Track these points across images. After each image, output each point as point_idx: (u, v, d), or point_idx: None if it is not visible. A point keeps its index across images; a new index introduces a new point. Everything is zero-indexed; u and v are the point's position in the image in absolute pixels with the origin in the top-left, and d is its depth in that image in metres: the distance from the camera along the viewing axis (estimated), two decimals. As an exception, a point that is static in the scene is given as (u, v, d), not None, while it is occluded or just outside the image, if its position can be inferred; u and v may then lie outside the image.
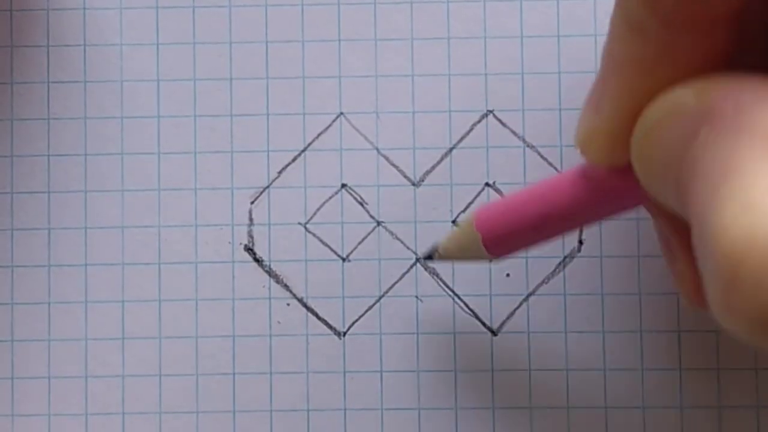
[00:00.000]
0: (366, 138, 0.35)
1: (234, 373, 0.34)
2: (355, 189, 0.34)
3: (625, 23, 0.23)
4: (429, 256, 0.32)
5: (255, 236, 0.34)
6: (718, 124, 0.21)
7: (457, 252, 0.31)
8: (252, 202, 0.35)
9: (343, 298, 0.34)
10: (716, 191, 0.20)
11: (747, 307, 0.19)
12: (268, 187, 0.35)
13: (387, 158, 0.35)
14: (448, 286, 0.34)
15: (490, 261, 0.30)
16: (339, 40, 0.35)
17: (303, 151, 0.35)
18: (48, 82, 0.35)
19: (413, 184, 0.35)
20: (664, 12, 0.23)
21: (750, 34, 0.25)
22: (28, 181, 0.35)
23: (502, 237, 0.29)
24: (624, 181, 0.26)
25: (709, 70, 0.23)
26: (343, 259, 0.34)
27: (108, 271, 0.34)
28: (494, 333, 0.34)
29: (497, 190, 0.34)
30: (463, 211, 0.34)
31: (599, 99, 0.25)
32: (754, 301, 0.19)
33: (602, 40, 0.34)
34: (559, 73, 0.35)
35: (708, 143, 0.21)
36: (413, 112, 0.35)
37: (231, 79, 0.35)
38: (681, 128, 0.22)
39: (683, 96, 0.23)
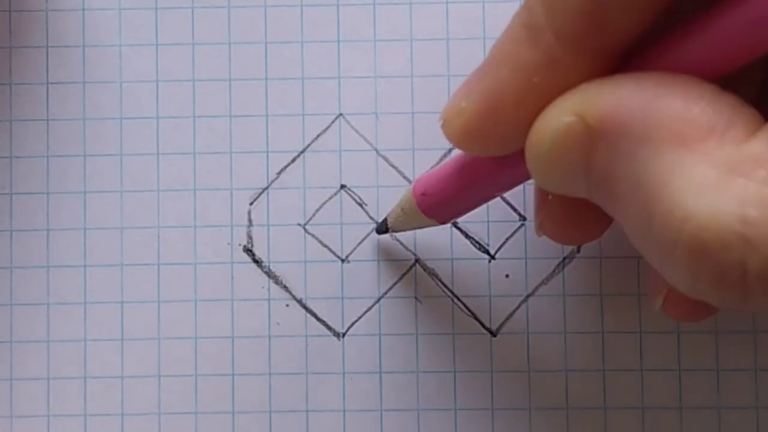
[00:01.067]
0: (365, 139, 0.35)
1: (233, 374, 0.34)
2: (355, 190, 0.34)
3: (522, 24, 0.24)
4: (383, 230, 0.33)
5: (254, 237, 0.34)
6: (620, 140, 0.22)
7: (404, 220, 0.32)
8: (251, 203, 0.35)
9: (343, 299, 0.34)
10: (659, 194, 0.22)
11: (714, 268, 0.21)
12: (267, 188, 0.35)
13: (386, 159, 0.35)
14: (447, 287, 0.34)
15: (439, 224, 0.31)
16: (338, 41, 0.35)
17: (302, 152, 0.35)
18: (47, 82, 0.35)
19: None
20: (562, 28, 0.23)
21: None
22: (27, 182, 0.35)
23: (434, 201, 0.30)
24: (491, 167, 0.27)
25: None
26: (343, 260, 0.34)
27: (107, 271, 0.34)
28: (493, 334, 0.34)
29: (497, 191, 0.34)
30: (463, 211, 0.34)
31: (473, 86, 0.25)
32: (720, 262, 0.21)
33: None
34: (559, 73, 0.35)
35: (620, 160, 0.22)
36: (413, 113, 0.35)
37: (230, 79, 0.35)
38: (576, 150, 0.23)
39: (568, 120, 0.23)
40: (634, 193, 0.22)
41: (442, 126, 0.26)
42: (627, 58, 0.24)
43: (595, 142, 0.23)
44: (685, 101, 0.22)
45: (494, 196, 0.31)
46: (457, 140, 0.26)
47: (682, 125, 0.21)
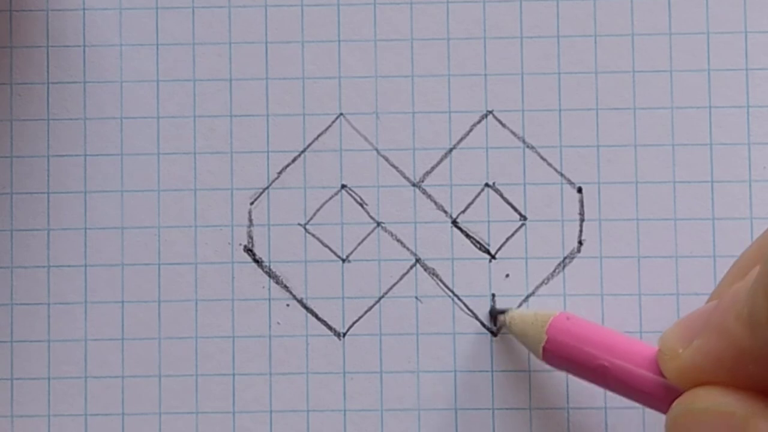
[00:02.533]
0: (366, 138, 0.35)
1: (233, 374, 0.34)
2: (355, 189, 0.34)
3: (747, 308, 0.23)
4: (497, 314, 0.34)
5: (254, 237, 0.34)
6: None
7: (520, 334, 0.32)
8: (251, 203, 0.35)
9: (343, 298, 0.34)
10: None
11: None
12: (267, 187, 0.35)
13: (387, 159, 0.35)
14: (447, 287, 0.34)
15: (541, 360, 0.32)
16: (339, 41, 0.35)
17: (303, 151, 0.35)
18: (48, 82, 0.35)
19: (413, 185, 0.34)
20: None
21: None
22: (27, 182, 0.35)
23: (561, 356, 0.31)
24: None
25: None
26: (343, 260, 0.34)
27: (108, 271, 0.34)
28: (494, 333, 0.34)
29: (497, 191, 0.34)
30: (463, 211, 0.34)
31: (693, 335, 0.25)
32: None
33: (602, 40, 0.34)
34: (559, 73, 0.35)
35: None
36: (413, 113, 0.35)
37: (231, 79, 0.35)
38: (715, 431, 0.23)
39: (738, 406, 0.23)
40: None
41: (658, 357, 0.26)
42: None
43: None
44: None
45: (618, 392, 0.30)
46: (670, 378, 0.26)
47: None
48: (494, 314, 0.34)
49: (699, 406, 0.24)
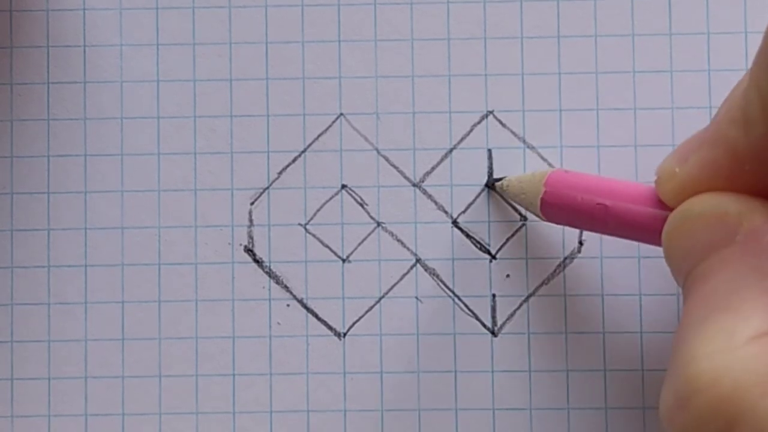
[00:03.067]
0: (366, 139, 0.35)
1: (234, 374, 0.34)
2: (355, 190, 0.34)
3: (740, 107, 0.23)
4: (493, 183, 0.34)
5: (255, 237, 0.34)
6: (744, 252, 0.22)
7: (517, 194, 0.32)
8: (252, 203, 0.35)
9: (343, 299, 0.34)
10: (710, 316, 0.21)
11: (685, 429, 0.21)
12: (268, 187, 0.35)
13: (387, 159, 0.35)
14: (448, 287, 0.34)
15: (540, 219, 0.32)
16: (339, 41, 0.35)
17: (303, 151, 0.35)
18: (48, 82, 0.35)
19: (413, 185, 0.35)
20: None
21: None
22: (28, 182, 0.35)
23: (559, 206, 0.30)
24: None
25: None
26: (343, 260, 0.34)
27: (108, 271, 0.34)
28: (494, 334, 0.34)
29: (497, 191, 0.34)
30: (464, 211, 0.34)
31: (688, 153, 0.25)
32: (691, 429, 0.21)
33: (602, 40, 0.34)
34: (559, 73, 0.35)
35: (727, 263, 0.22)
36: (413, 113, 0.35)
37: (231, 79, 0.35)
38: (711, 232, 0.23)
39: (731, 204, 0.23)
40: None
41: (656, 183, 0.26)
42: None
43: (729, 239, 0.23)
44: None
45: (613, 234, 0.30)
46: (667, 200, 0.26)
47: None
48: (491, 184, 0.34)
49: (694, 210, 0.24)
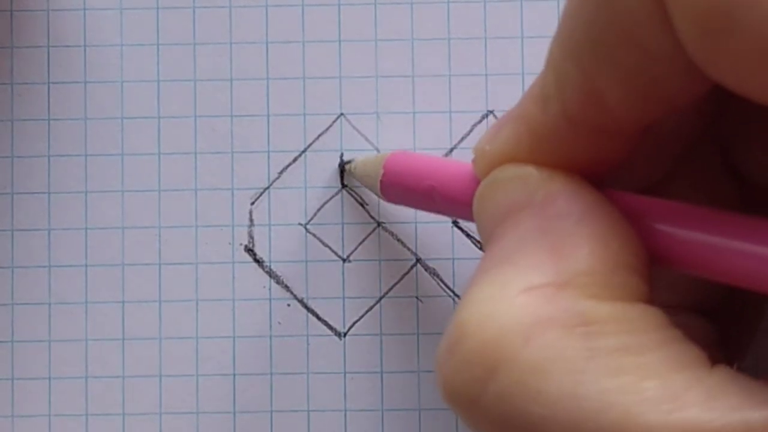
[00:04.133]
0: (366, 139, 0.35)
1: (234, 374, 0.34)
2: (356, 190, 0.34)
3: (539, 87, 0.23)
4: (344, 165, 0.34)
5: (255, 237, 0.34)
6: (535, 214, 0.22)
7: (362, 176, 0.33)
8: (252, 203, 0.35)
9: (344, 298, 0.34)
10: (491, 269, 0.22)
11: (449, 375, 0.21)
12: (268, 187, 0.35)
13: (387, 159, 0.35)
14: (448, 287, 0.34)
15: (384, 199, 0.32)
16: (339, 40, 0.35)
17: (303, 151, 0.35)
18: (48, 82, 0.35)
19: (413, 185, 0.35)
20: (567, 103, 0.22)
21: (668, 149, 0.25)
22: (28, 182, 0.35)
23: (396, 188, 0.30)
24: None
25: (596, 168, 0.23)
26: (344, 260, 0.34)
27: (108, 271, 0.34)
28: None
29: (497, 191, 0.34)
30: (464, 211, 0.34)
31: (498, 132, 0.25)
32: (454, 375, 0.21)
33: (603, 40, 0.34)
34: (560, 73, 0.35)
35: (519, 224, 0.23)
36: (413, 113, 0.35)
37: (231, 79, 0.35)
38: (511, 196, 0.23)
39: (532, 171, 0.23)
40: None
41: (472, 162, 0.26)
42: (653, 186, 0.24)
43: (526, 203, 0.23)
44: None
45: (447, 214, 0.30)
46: (481, 177, 0.26)
47: None
48: (342, 166, 0.34)
49: (500, 176, 0.24)
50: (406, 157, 0.31)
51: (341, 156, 0.34)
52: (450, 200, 0.28)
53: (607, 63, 0.21)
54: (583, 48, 0.21)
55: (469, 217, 0.27)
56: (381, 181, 0.31)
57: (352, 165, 0.34)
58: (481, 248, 0.34)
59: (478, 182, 0.26)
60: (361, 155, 0.34)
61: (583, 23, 0.21)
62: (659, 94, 0.21)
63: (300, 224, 0.34)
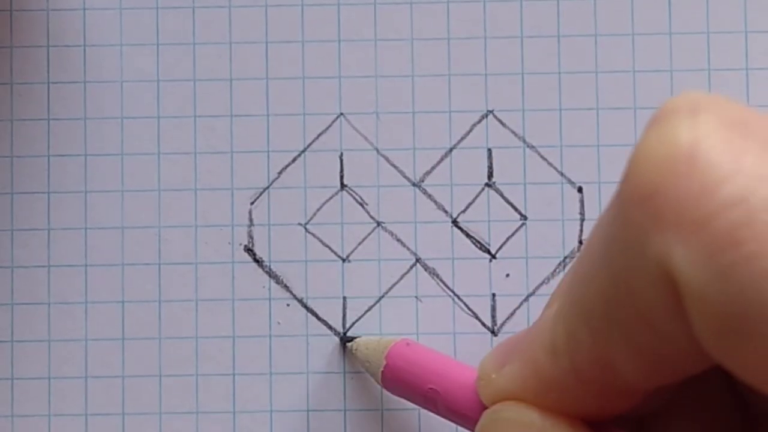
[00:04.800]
0: (366, 138, 0.35)
1: (234, 374, 0.34)
2: (355, 189, 0.34)
3: (549, 337, 0.23)
4: (345, 342, 0.34)
5: (255, 237, 0.34)
6: None
7: (363, 361, 0.33)
8: (252, 203, 0.35)
9: (344, 298, 0.34)
10: None
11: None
12: (268, 187, 0.35)
13: (387, 158, 0.35)
14: (448, 286, 0.34)
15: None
16: (339, 40, 0.35)
17: (303, 151, 0.35)
18: (48, 82, 0.35)
19: (413, 184, 0.35)
20: (577, 365, 0.22)
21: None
22: (28, 181, 0.35)
23: (397, 381, 0.30)
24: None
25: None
26: (343, 260, 0.34)
27: (108, 271, 0.34)
28: (494, 333, 0.34)
29: (497, 191, 0.34)
30: (463, 211, 0.34)
31: (504, 361, 0.25)
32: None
33: (602, 39, 0.34)
34: (559, 73, 0.35)
35: None
36: (413, 112, 0.35)
37: (231, 79, 0.35)
38: None
39: (536, 418, 0.23)
40: None
41: (476, 382, 0.26)
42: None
43: None
44: None
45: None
46: (485, 402, 0.26)
47: None
48: (344, 341, 0.34)
49: (503, 415, 0.24)
50: (410, 351, 0.31)
51: (344, 334, 0.34)
52: (452, 411, 0.28)
53: (620, 336, 0.21)
54: (595, 316, 0.21)
55: (470, 428, 0.27)
56: (383, 373, 0.31)
57: (354, 345, 0.33)
58: (481, 248, 0.34)
59: (480, 400, 0.26)
60: (363, 339, 0.33)
61: (596, 293, 0.21)
62: (673, 368, 0.21)
63: (299, 224, 0.34)
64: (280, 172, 0.35)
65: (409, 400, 0.30)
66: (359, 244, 0.34)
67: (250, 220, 0.34)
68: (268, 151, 0.35)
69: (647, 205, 0.19)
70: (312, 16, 0.35)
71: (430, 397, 0.28)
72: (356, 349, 0.33)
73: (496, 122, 0.35)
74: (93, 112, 0.35)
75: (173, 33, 0.35)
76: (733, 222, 0.18)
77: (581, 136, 0.34)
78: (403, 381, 0.30)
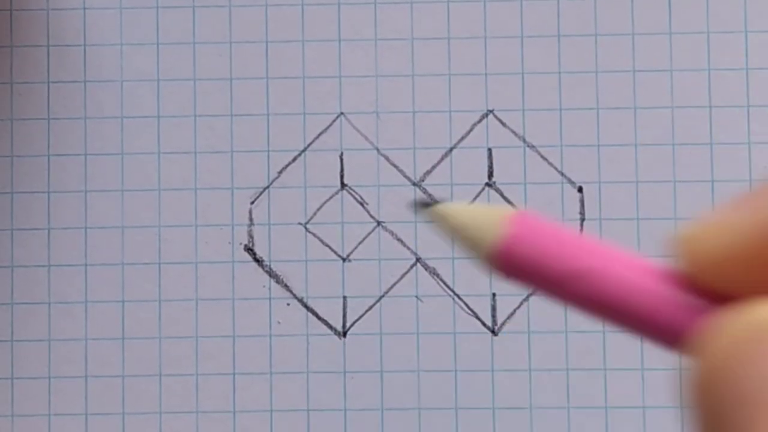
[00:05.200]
0: (366, 138, 0.35)
1: (234, 373, 0.34)
2: (356, 189, 0.34)
3: None
4: (424, 204, 0.22)
5: (255, 236, 0.34)
6: None
7: (462, 227, 0.21)
8: (252, 202, 0.35)
9: (344, 298, 0.34)
10: None
11: None
12: (268, 187, 0.35)
13: (387, 158, 0.35)
14: (448, 286, 0.34)
15: (485, 269, 0.24)
16: (339, 40, 0.35)
17: (303, 151, 0.35)
18: (48, 82, 0.35)
19: (414, 184, 0.35)
20: None
21: None
22: (28, 181, 0.35)
23: (525, 258, 0.20)
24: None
25: None
26: (344, 259, 0.34)
27: (108, 271, 0.34)
28: (494, 333, 0.34)
29: (497, 190, 0.34)
30: (464, 211, 0.34)
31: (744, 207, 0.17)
32: None
33: (602, 39, 0.34)
34: (559, 73, 0.35)
35: None
36: (413, 112, 0.35)
37: (231, 78, 0.35)
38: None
39: None
40: None
41: (681, 245, 0.18)
42: None
43: None
44: None
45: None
46: (690, 263, 0.18)
47: None
48: (421, 205, 0.22)
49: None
50: (541, 222, 0.20)
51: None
52: (620, 297, 0.20)
53: None
54: None
55: (644, 329, 0.20)
56: (502, 247, 0.20)
57: (447, 208, 0.20)
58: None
59: (676, 287, 0.19)
60: (453, 203, 0.23)
61: None
62: None
63: (300, 224, 0.34)
64: (280, 172, 0.35)
65: (535, 286, 0.20)
66: (359, 243, 0.34)
67: (250, 219, 0.35)
68: (268, 151, 0.35)
69: None
70: (312, 16, 0.35)
71: (580, 280, 0.20)
72: (452, 213, 0.21)
73: (497, 122, 0.35)
74: (93, 111, 0.35)
75: (173, 33, 0.35)
76: None
77: (581, 136, 0.34)
78: (536, 258, 0.20)
